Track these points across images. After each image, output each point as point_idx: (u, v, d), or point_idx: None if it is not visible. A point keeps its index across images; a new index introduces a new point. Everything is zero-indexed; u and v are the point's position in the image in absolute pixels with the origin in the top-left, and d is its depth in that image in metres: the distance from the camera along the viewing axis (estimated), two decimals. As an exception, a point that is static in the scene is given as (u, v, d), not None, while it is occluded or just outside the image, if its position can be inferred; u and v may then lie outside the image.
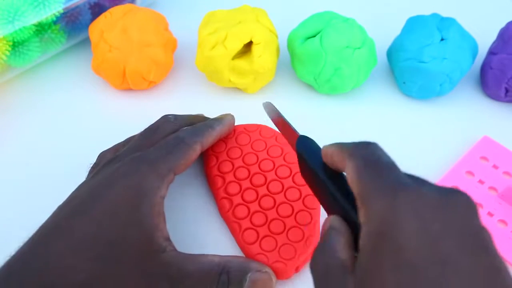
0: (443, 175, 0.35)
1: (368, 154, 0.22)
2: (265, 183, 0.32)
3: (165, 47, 0.39)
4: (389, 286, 0.18)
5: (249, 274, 0.26)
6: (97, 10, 0.41)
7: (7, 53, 0.36)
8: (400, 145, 0.37)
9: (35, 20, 0.37)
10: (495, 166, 0.36)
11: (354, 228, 0.21)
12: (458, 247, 0.18)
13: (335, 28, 0.36)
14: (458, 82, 0.39)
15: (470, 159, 0.36)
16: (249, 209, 0.30)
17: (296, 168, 0.32)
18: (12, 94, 0.40)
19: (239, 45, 0.36)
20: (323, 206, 0.25)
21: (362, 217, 0.20)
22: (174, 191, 0.33)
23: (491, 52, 0.40)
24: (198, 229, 0.32)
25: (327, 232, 0.22)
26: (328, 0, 0.48)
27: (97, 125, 0.38)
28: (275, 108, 0.31)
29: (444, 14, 0.43)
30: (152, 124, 0.31)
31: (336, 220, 0.22)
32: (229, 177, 0.32)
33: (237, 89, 0.41)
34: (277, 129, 0.35)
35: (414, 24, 0.39)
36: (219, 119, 0.32)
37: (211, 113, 0.35)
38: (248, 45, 0.37)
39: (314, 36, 0.37)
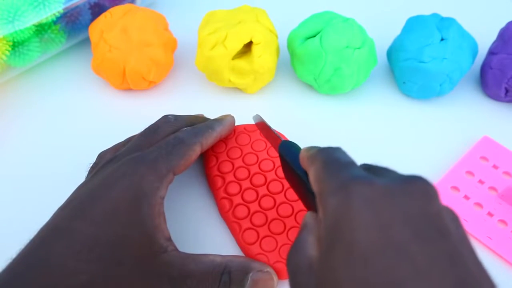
0: (443, 175, 0.35)
1: (327, 157, 0.22)
2: (265, 183, 0.32)
3: (165, 47, 0.39)
4: (343, 279, 0.17)
5: (250, 274, 0.26)
6: (97, 10, 0.41)
7: (7, 53, 0.36)
8: (400, 145, 0.37)
9: (35, 20, 0.37)
10: (495, 166, 0.36)
11: None
12: (411, 234, 0.17)
13: (335, 28, 0.36)
14: (458, 82, 0.39)
15: (470, 159, 0.36)
16: (249, 209, 0.30)
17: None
18: (12, 94, 0.40)
19: (239, 45, 0.36)
20: (305, 206, 0.26)
21: (320, 215, 0.20)
22: (174, 191, 0.33)
23: (491, 52, 0.40)
24: (198, 229, 0.32)
25: (300, 229, 0.22)
26: (328, 0, 0.48)
27: (97, 125, 0.38)
28: (262, 118, 0.33)
29: (444, 14, 0.43)
30: (152, 124, 0.31)
31: (309, 216, 0.22)
32: (229, 177, 0.32)
33: (237, 89, 0.41)
34: (277, 130, 0.35)
35: (414, 24, 0.39)
36: (219, 120, 0.32)
37: (211, 113, 0.35)
38: (248, 45, 0.37)
39: (314, 36, 0.37)
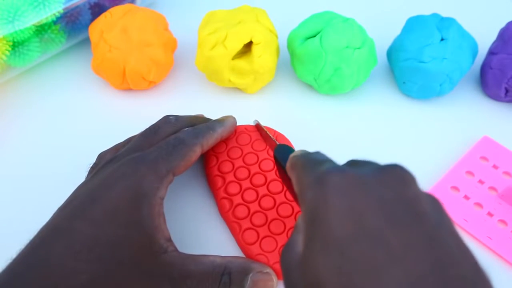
0: (443, 175, 0.35)
1: (304, 160, 0.23)
2: (265, 183, 0.32)
3: (165, 47, 0.39)
4: (321, 270, 0.17)
5: (250, 275, 0.26)
6: (97, 10, 0.41)
7: (7, 53, 0.36)
8: (400, 145, 0.37)
9: (35, 20, 0.37)
10: (495, 166, 0.36)
11: None
12: (386, 220, 0.17)
13: (335, 28, 0.36)
14: (458, 82, 0.39)
15: (470, 159, 0.36)
16: (249, 209, 0.30)
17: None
18: (12, 94, 0.40)
19: (239, 45, 0.36)
20: (299, 206, 0.26)
21: (301, 211, 0.21)
22: (173, 191, 0.33)
23: (491, 52, 0.40)
24: (198, 230, 0.32)
25: (293, 229, 0.22)
26: (328, 0, 0.48)
27: (97, 125, 0.38)
28: (259, 123, 0.34)
29: (444, 14, 0.43)
30: (153, 125, 0.31)
31: (300, 217, 0.23)
32: (229, 177, 0.32)
33: (237, 89, 0.41)
34: (277, 130, 0.35)
35: (414, 24, 0.39)
36: (220, 121, 0.32)
37: (211, 113, 0.35)
38: (248, 45, 0.37)
39: (314, 36, 0.37)
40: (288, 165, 0.24)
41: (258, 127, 0.34)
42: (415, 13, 0.42)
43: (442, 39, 0.37)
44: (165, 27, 0.40)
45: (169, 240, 0.26)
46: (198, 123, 0.32)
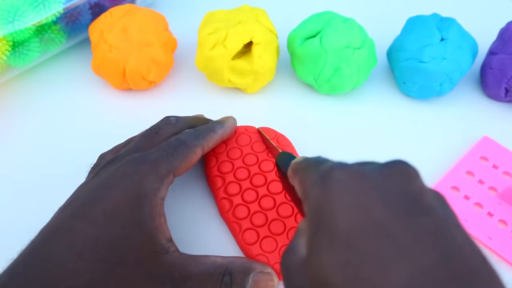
0: (443, 175, 0.35)
1: (307, 164, 0.23)
2: (265, 184, 0.32)
3: (165, 47, 0.39)
4: (328, 265, 0.17)
5: (251, 275, 0.26)
6: (97, 10, 0.41)
7: (7, 53, 0.36)
8: (400, 145, 0.37)
9: (35, 20, 0.37)
10: (495, 166, 0.36)
11: None
12: (392, 213, 0.17)
13: (335, 28, 0.36)
14: (458, 82, 0.39)
15: (470, 159, 0.36)
16: (249, 209, 0.30)
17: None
18: (12, 94, 0.40)
19: (239, 45, 0.36)
20: (302, 215, 0.26)
21: (305, 213, 0.21)
22: (174, 191, 0.33)
23: (491, 52, 0.40)
24: (198, 230, 0.32)
25: (294, 234, 0.22)
26: (328, 0, 0.48)
27: (97, 125, 0.38)
28: (262, 132, 0.34)
29: (444, 14, 0.43)
30: (153, 126, 0.31)
31: (302, 222, 0.22)
32: (229, 178, 0.32)
33: (237, 89, 0.41)
34: (277, 130, 0.35)
35: (414, 24, 0.39)
36: (221, 122, 0.32)
37: (211, 113, 0.35)
38: (248, 45, 0.37)
39: (314, 36, 0.37)
40: (289, 172, 0.24)
41: (261, 135, 0.34)
42: (415, 13, 0.42)
43: (442, 39, 0.37)
44: (165, 27, 0.40)
45: (170, 240, 0.26)
46: (198, 124, 0.32)
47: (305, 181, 0.21)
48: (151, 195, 0.25)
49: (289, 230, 0.30)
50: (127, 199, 0.25)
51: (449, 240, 0.17)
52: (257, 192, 0.31)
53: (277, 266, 0.28)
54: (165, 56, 0.38)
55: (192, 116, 0.33)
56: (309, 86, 0.41)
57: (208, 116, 0.35)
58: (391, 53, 0.41)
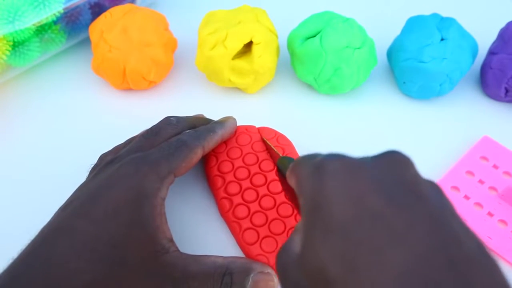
0: (443, 175, 0.35)
1: (303, 159, 0.22)
2: (265, 183, 0.32)
3: (165, 47, 0.39)
4: (325, 256, 0.17)
5: (251, 275, 0.26)
6: (97, 10, 0.41)
7: (7, 53, 0.36)
8: (400, 145, 0.37)
9: (35, 20, 0.37)
10: (495, 166, 0.36)
11: None
12: (386, 201, 0.17)
13: (335, 28, 0.36)
14: (458, 82, 0.39)
15: (470, 159, 0.36)
16: (249, 209, 0.30)
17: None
18: (12, 94, 0.40)
19: (239, 45, 0.36)
20: (300, 215, 0.26)
21: (300, 206, 0.21)
22: (174, 191, 0.33)
23: (491, 52, 0.40)
24: (198, 229, 0.32)
25: (291, 234, 0.22)
26: (328, 0, 0.48)
27: (97, 125, 0.38)
28: (263, 138, 0.34)
29: (444, 14, 0.43)
30: (154, 126, 0.31)
31: (299, 222, 0.22)
32: (229, 177, 0.32)
33: (237, 89, 0.41)
34: (277, 130, 0.35)
35: (414, 24, 0.39)
36: (221, 123, 0.32)
37: (211, 113, 0.35)
38: (248, 45, 0.37)
39: (314, 36, 0.37)
40: (288, 173, 0.24)
41: (265, 144, 0.34)
42: (415, 13, 0.42)
43: (442, 39, 0.38)
44: (165, 27, 0.40)
45: (171, 240, 0.26)
46: (199, 124, 0.32)
47: (299, 175, 0.21)
48: (152, 195, 0.25)
49: (289, 230, 0.30)
50: (128, 199, 0.25)
51: (445, 227, 0.17)
52: (257, 192, 0.31)
53: (277, 266, 0.28)
54: (165, 56, 0.38)
55: (192, 116, 0.33)
56: (309, 86, 0.41)
57: (208, 116, 0.35)
58: (391, 53, 0.41)
